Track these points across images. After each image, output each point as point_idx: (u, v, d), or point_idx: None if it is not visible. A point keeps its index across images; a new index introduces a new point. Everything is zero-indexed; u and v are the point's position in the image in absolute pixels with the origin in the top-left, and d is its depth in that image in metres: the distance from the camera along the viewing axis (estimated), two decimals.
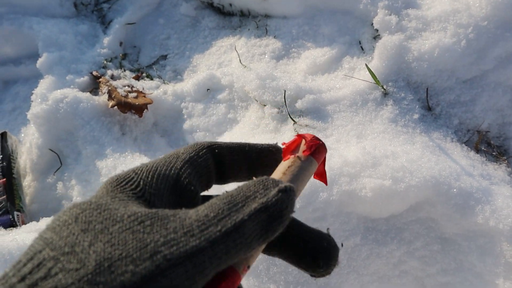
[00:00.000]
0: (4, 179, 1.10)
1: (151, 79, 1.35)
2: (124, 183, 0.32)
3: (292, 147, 0.37)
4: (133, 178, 0.33)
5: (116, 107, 1.17)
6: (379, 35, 1.16)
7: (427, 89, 1.09)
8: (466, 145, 1.06)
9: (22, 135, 1.30)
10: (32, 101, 1.23)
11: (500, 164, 1.05)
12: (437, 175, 0.85)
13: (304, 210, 0.83)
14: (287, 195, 0.30)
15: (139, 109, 1.18)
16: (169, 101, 1.23)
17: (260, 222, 0.29)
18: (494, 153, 1.07)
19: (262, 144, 0.39)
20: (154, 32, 1.49)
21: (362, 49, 1.20)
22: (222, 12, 1.47)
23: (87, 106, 1.18)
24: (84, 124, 1.16)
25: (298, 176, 0.35)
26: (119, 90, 1.22)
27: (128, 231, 0.27)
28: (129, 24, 1.48)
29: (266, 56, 1.27)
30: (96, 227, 0.27)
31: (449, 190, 0.84)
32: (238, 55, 1.28)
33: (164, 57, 1.43)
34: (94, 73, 1.30)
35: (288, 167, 0.35)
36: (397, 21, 1.14)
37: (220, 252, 0.27)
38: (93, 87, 1.29)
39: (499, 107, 1.11)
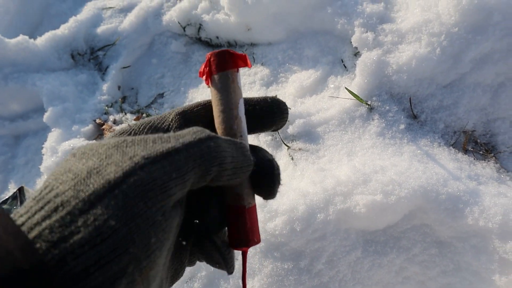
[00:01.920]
0: None
1: None
2: (118, 134, 0.38)
3: (207, 69, 0.40)
4: (127, 129, 0.38)
5: None
6: (358, 52, 1.23)
7: (410, 98, 1.15)
8: (453, 147, 1.12)
9: (37, 186, 1.38)
10: (43, 154, 1.32)
11: (488, 161, 1.11)
12: (424, 184, 0.91)
13: (305, 232, 0.89)
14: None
15: None
16: None
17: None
18: (481, 152, 1.12)
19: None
20: (149, 72, 1.57)
21: (345, 67, 1.26)
22: (210, 44, 1.55)
23: None
24: None
25: (227, 95, 0.39)
26: None
27: (113, 148, 0.32)
28: (124, 67, 1.57)
29: (256, 84, 1.34)
30: (88, 153, 0.32)
31: (438, 197, 0.89)
32: None
33: (161, 95, 1.50)
34: (98, 121, 1.38)
35: (214, 95, 0.39)
36: (374, 37, 1.20)
37: (194, 155, 0.32)
38: (98, 134, 1.37)
39: (481, 106, 1.16)
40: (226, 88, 0.38)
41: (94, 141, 0.34)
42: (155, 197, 0.30)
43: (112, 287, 0.27)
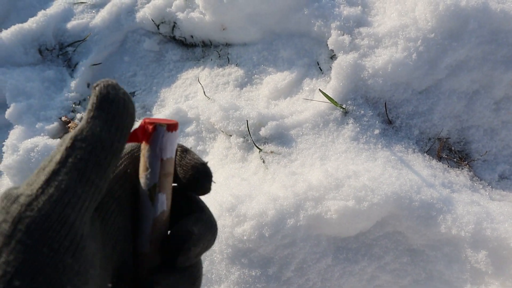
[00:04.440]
0: None
1: None
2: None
3: (141, 134, 0.38)
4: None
5: None
6: (334, 55, 1.20)
7: (385, 103, 1.13)
8: (428, 154, 1.10)
9: None
10: (3, 152, 1.25)
11: (462, 169, 1.09)
12: (398, 191, 0.88)
13: (274, 238, 0.86)
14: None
15: None
16: None
17: (100, 124, 0.33)
18: (455, 159, 1.11)
19: None
20: (120, 70, 1.51)
21: (321, 69, 1.23)
22: (185, 44, 1.50)
23: None
24: None
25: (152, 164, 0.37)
26: None
27: (2, 197, 0.29)
28: (95, 65, 1.51)
29: (230, 85, 1.30)
30: None
31: (411, 204, 0.87)
32: (202, 87, 1.31)
33: (132, 94, 1.45)
34: (64, 118, 1.32)
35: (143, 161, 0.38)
36: (350, 40, 1.18)
37: (77, 167, 0.30)
38: (64, 132, 1.31)
39: (456, 113, 1.15)
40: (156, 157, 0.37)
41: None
42: (57, 234, 0.26)
43: None
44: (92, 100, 0.33)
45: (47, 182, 0.28)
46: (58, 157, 0.30)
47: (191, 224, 0.36)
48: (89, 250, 0.29)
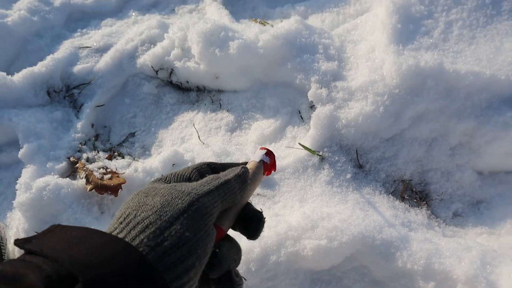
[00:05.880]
0: None
1: (123, 157, 1.52)
2: (156, 181, 0.56)
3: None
4: (166, 177, 0.57)
5: (94, 190, 1.33)
6: (314, 105, 1.38)
7: (356, 150, 1.30)
8: (392, 195, 1.27)
9: (8, 219, 1.44)
10: (17, 190, 1.39)
11: (421, 208, 1.27)
12: (363, 231, 1.05)
13: (259, 272, 1.02)
14: (246, 170, 0.59)
15: (115, 190, 1.35)
16: (140, 177, 1.41)
17: (237, 181, 0.56)
18: (415, 199, 1.28)
19: (238, 164, 0.67)
20: (122, 111, 1.67)
21: (302, 118, 1.41)
22: (181, 88, 1.67)
23: (68, 191, 1.34)
24: (66, 208, 1.32)
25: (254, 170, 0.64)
26: (95, 173, 1.39)
27: (169, 189, 0.50)
28: (98, 106, 1.66)
29: (222, 129, 1.46)
30: (152, 193, 0.50)
31: (374, 242, 1.04)
32: (197, 131, 1.47)
33: (133, 134, 1.61)
34: (72, 159, 1.47)
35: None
36: (327, 93, 1.36)
37: (222, 193, 0.52)
38: (71, 171, 1.46)
39: (417, 158, 1.33)
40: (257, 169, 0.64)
41: (148, 186, 0.55)
42: (207, 218, 0.48)
43: (186, 275, 0.43)
44: None
45: (208, 192, 0.52)
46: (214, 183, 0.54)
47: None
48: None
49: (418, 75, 1.29)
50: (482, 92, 1.31)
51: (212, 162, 0.64)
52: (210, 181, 0.54)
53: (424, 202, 1.27)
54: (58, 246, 0.38)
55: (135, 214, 0.46)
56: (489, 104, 1.32)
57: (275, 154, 0.69)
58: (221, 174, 0.57)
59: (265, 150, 0.67)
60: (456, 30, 1.42)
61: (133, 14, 1.96)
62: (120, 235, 0.43)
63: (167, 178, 0.57)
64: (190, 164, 1.39)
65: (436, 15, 1.45)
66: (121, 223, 0.45)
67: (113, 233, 0.44)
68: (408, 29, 1.39)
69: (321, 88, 1.37)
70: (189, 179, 0.58)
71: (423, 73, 1.29)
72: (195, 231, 0.46)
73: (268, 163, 0.66)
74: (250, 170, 0.62)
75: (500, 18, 1.45)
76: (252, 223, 0.58)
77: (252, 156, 0.67)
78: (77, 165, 1.44)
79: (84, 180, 1.37)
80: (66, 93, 1.71)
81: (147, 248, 0.42)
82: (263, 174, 0.66)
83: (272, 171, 0.68)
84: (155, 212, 0.45)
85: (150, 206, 0.47)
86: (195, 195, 0.49)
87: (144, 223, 0.44)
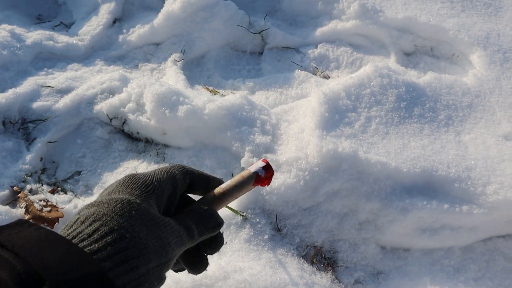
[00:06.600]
0: None
1: (65, 192, 1.62)
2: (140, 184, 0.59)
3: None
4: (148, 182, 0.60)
5: (31, 220, 1.42)
6: None
7: (276, 215, 1.48)
8: (303, 258, 1.45)
9: None
10: None
11: (327, 272, 1.45)
12: (268, 286, 1.21)
13: None
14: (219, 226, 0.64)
15: (51, 222, 1.44)
16: None
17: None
18: (323, 264, 1.46)
19: (215, 177, 0.72)
20: (72, 150, 1.79)
21: None
22: (131, 137, 1.82)
23: (5, 218, 1.42)
24: None
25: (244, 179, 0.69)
26: (35, 204, 1.48)
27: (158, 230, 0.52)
28: (50, 142, 1.77)
29: None
30: (137, 221, 0.51)
31: None
32: None
33: (79, 173, 1.72)
34: (15, 188, 1.55)
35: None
36: None
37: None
38: (12, 199, 1.54)
39: (329, 228, 1.53)
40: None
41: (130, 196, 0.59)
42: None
43: (143, 277, 0.49)
44: None
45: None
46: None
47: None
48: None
49: (335, 158, 1.52)
50: (387, 179, 1.55)
51: (190, 169, 0.68)
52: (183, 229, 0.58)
53: (331, 268, 1.45)
54: (28, 245, 0.39)
55: (102, 223, 0.48)
56: (393, 190, 1.56)
57: (274, 171, 0.72)
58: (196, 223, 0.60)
59: (265, 164, 0.69)
60: (374, 125, 1.69)
61: (99, 63, 2.12)
62: (85, 243, 0.45)
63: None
64: None
65: (359, 109, 1.72)
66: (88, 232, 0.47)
67: (77, 237, 0.46)
68: (333, 119, 1.64)
69: (253, 157, 1.56)
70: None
71: (340, 157, 1.52)
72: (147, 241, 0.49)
73: (262, 176, 0.68)
74: (241, 178, 0.68)
75: (410, 121, 1.74)
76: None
77: (252, 164, 0.71)
78: (19, 194, 1.52)
79: (23, 209, 1.46)
80: (21, 125, 1.82)
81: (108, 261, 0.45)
82: (253, 185, 0.69)
83: (266, 185, 0.70)
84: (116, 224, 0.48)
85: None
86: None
87: (107, 235, 0.47)
